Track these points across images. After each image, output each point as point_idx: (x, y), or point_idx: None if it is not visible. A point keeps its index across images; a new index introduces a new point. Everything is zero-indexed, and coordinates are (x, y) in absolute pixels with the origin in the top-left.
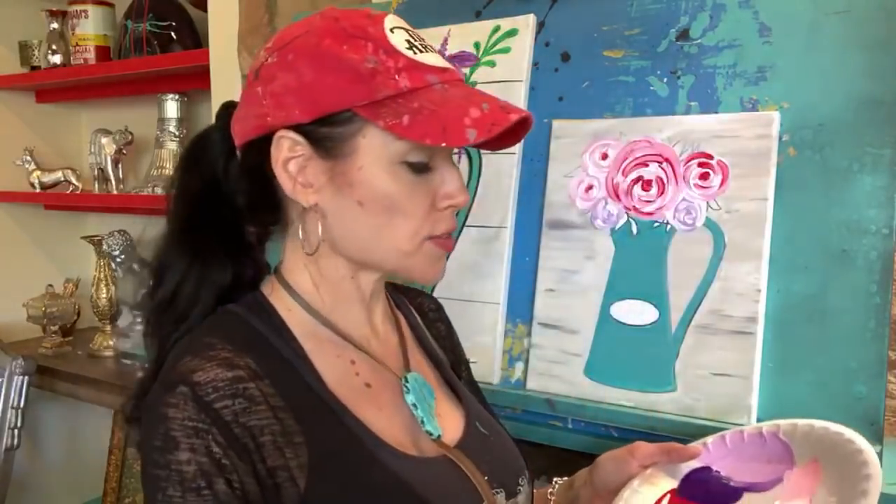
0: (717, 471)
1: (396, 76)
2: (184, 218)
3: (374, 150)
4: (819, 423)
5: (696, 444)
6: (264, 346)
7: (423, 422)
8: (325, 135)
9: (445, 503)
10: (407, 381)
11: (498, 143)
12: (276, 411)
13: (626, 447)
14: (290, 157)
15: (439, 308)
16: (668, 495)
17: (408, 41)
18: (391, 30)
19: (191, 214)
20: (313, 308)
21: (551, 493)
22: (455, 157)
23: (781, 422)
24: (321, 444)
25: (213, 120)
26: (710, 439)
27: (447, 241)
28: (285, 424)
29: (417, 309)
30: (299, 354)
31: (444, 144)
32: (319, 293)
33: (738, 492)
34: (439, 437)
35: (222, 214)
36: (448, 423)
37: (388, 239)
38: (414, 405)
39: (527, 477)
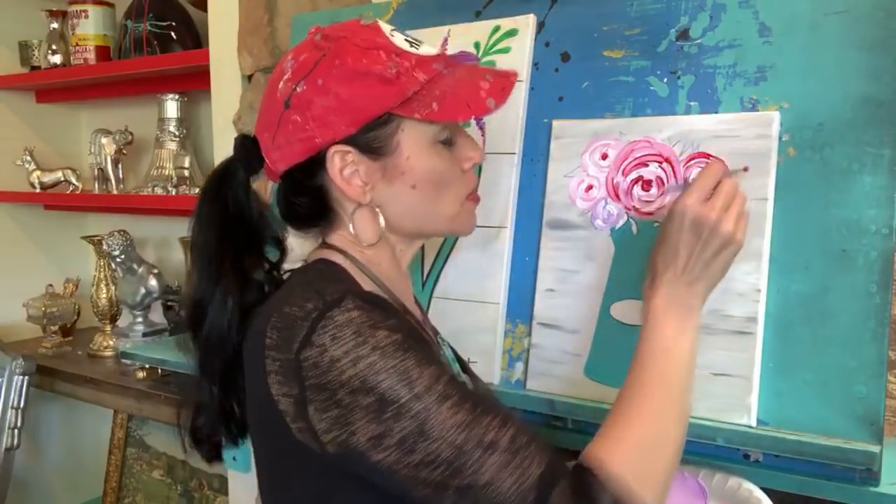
0: None
1: (414, 73)
2: (213, 247)
3: (415, 140)
4: (734, 478)
5: None
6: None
7: (458, 374)
8: (371, 139)
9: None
10: (442, 341)
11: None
12: (404, 318)
13: None
14: (343, 166)
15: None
16: None
17: (406, 40)
18: (391, 34)
19: (219, 241)
20: (378, 278)
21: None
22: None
23: (703, 469)
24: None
25: (213, 120)
26: None
27: (477, 196)
28: (412, 329)
29: None
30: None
31: (473, 117)
32: (372, 270)
33: None
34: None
35: (247, 237)
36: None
37: (440, 208)
38: (451, 360)
39: None
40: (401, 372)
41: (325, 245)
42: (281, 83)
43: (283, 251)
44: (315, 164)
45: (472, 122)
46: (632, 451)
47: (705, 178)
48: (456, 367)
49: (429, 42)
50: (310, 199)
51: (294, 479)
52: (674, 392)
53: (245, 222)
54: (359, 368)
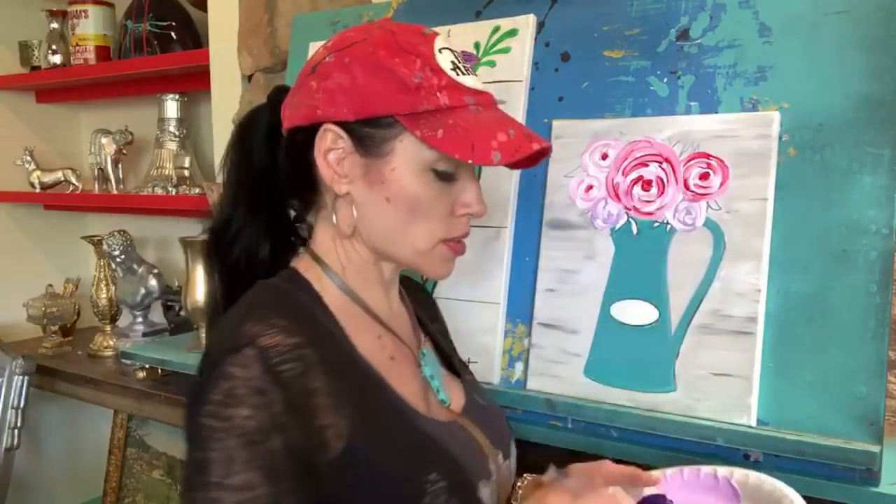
0: (670, 500)
1: (438, 93)
2: (240, 182)
3: (408, 155)
4: (769, 480)
5: (656, 473)
6: (310, 317)
7: (437, 391)
8: (367, 134)
9: (466, 459)
10: (423, 355)
11: (516, 165)
12: (327, 375)
13: (594, 463)
14: (331, 149)
15: (428, 293)
16: None
17: (452, 62)
18: (440, 50)
19: (245, 180)
20: (347, 285)
21: (519, 486)
22: None
23: (737, 470)
24: (364, 407)
25: (213, 120)
26: (668, 471)
27: (458, 245)
28: (334, 387)
29: (414, 297)
30: (337, 326)
31: (470, 161)
32: (348, 274)
33: None
34: (448, 405)
35: (269, 185)
36: (452, 394)
37: (407, 236)
38: (431, 377)
39: (513, 442)
40: (228, 457)
41: (306, 247)
42: (322, 48)
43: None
44: (311, 135)
45: None
46: None
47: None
48: (436, 383)
49: (470, 66)
50: (297, 170)
51: None
52: None
53: (266, 168)
54: (208, 423)
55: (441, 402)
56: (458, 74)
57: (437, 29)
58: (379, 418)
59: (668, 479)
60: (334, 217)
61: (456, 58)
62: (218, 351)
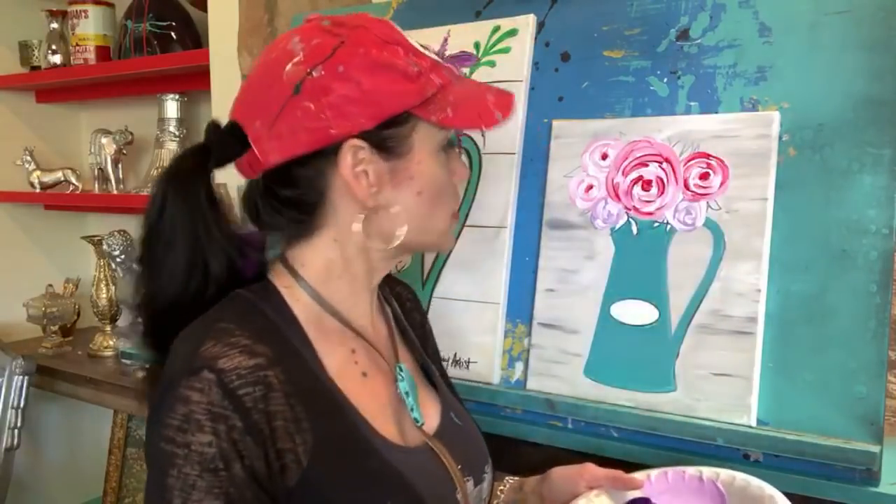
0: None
1: (432, 75)
2: (178, 233)
3: (427, 144)
4: (756, 482)
5: (640, 475)
6: (276, 334)
7: (412, 409)
8: (387, 136)
9: (428, 490)
10: (400, 370)
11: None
12: (288, 398)
13: (577, 466)
14: (356, 163)
15: (415, 297)
16: None
17: (417, 42)
18: (402, 33)
19: (185, 225)
20: (321, 297)
21: (501, 489)
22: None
23: (722, 471)
24: (324, 431)
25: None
26: (653, 473)
27: (457, 214)
28: (296, 410)
29: (396, 298)
30: (305, 342)
31: (483, 127)
32: (334, 284)
33: None
34: (422, 424)
35: (209, 227)
36: (427, 411)
37: (434, 221)
38: (406, 393)
39: (489, 465)
40: (188, 484)
41: (280, 259)
42: (289, 66)
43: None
44: (316, 158)
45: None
46: None
47: None
48: (411, 401)
49: (430, 42)
50: (299, 198)
51: None
52: None
53: (212, 214)
54: (166, 448)
55: (414, 420)
56: (427, 52)
57: (437, 29)
58: (338, 445)
59: (653, 482)
60: (336, 231)
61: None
62: (175, 372)
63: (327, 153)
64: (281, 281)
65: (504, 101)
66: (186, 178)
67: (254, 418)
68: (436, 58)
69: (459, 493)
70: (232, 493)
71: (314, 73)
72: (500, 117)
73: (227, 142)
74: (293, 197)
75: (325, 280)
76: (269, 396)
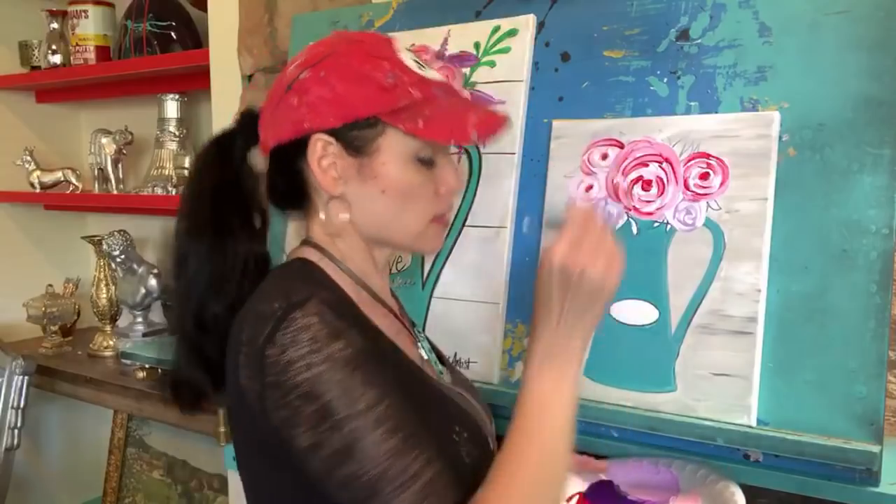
0: (618, 485)
1: (410, 89)
2: (206, 208)
3: (394, 148)
4: (716, 473)
5: (602, 462)
6: (337, 289)
7: (435, 363)
8: (354, 136)
9: (470, 415)
10: (420, 332)
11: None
12: (365, 331)
13: None
14: (323, 155)
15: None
16: (577, 496)
17: (414, 61)
18: (400, 51)
19: (212, 203)
20: (352, 271)
21: None
22: (454, 157)
23: (675, 459)
24: (392, 362)
25: (213, 120)
26: (615, 460)
27: (445, 220)
28: (368, 346)
29: None
30: (356, 303)
31: (452, 142)
32: (349, 263)
33: None
34: (444, 378)
35: (240, 206)
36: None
37: (402, 220)
38: (430, 352)
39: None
40: (345, 388)
41: (305, 242)
42: (292, 67)
43: (265, 222)
44: (298, 147)
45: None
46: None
47: (573, 224)
48: (433, 358)
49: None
50: (287, 181)
51: (267, 473)
52: (551, 445)
53: (237, 189)
54: (309, 375)
55: (439, 374)
56: (421, 69)
57: (437, 29)
58: (406, 376)
59: (615, 467)
60: (322, 215)
61: (415, 56)
62: (276, 315)
63: (304, 145)
64: (315, 258)
65: (489, 123)
66: (213, 152)
67: (367, 327)
68: (435, 77)
69: (485, 429)
70: (383, 377)
71: (302, 76)
72: (475, 136)
73: (248, 127)
74: (282, 183)
75: (344, 259)
76: (358, 326)
